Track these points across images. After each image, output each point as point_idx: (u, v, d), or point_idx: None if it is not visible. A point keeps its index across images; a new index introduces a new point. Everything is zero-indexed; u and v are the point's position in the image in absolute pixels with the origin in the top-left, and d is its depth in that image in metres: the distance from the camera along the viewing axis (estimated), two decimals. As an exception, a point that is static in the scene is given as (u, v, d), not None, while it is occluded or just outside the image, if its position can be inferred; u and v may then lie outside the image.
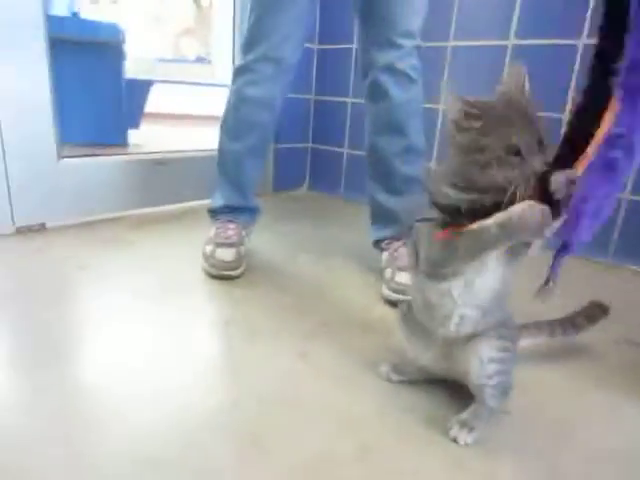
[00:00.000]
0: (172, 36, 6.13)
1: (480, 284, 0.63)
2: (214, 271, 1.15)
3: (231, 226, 1.24)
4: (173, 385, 0.74)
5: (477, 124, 0.58)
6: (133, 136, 2.95)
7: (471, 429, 0.66)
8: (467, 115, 0.58)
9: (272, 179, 2.04)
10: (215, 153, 1.28)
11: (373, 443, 0.64)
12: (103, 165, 1.54)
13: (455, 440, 0.65)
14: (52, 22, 2.28)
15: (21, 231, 1.35)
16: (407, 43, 1.15)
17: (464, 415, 0.68)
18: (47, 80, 1.31)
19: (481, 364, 0.66)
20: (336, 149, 2.11)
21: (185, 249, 1.32)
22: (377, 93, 1.20)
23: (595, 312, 0.91)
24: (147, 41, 5.94)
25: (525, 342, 0.84)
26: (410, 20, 1.14)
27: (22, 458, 0.58)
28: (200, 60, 6.02)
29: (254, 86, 1.17)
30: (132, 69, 4.64)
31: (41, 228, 1.39)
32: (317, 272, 1.24)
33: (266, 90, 1.18)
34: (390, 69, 1.16)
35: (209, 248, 1.19)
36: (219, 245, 1.18)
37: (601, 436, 0.70)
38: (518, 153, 0.57)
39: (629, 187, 1.42)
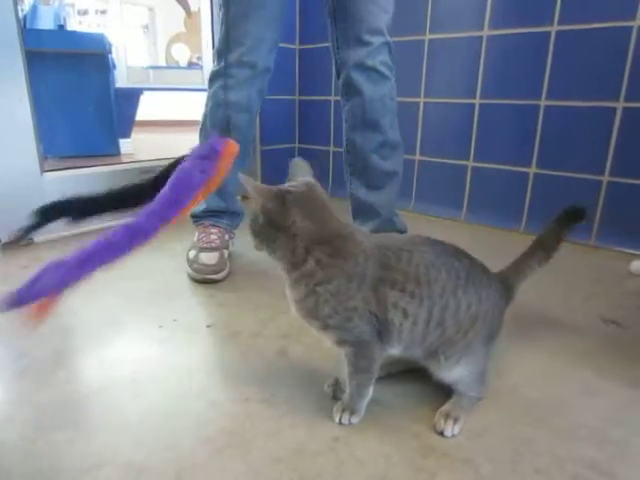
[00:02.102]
0: (163, 43, 6.14)
1: None
2: (198, 276, 1.17)
3: (213, 230, 1.26)
4: (154, 387, 0.76)
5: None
6: (125, 145, 2.98)
7: (456, 420, 0.67)
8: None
9: (260, 181, 2.05)
10: None
11: (347, 435, 0.66)
12: (87, 177, 1.56)
13: (442, 433, 0.66)
14: (34, 36, 2.32)
15: (7, 248, 1.37)
16: (375, 40, 1.16)
17: (447, 407, 0.69)
18: (27, 96, 1.34)
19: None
20: (322, 148, 2.12)
21: (171, 256, 1.33)
22: (350, 90, 1.22)
23: (572, 217, 0.83)
24: (139, 49, 5.97)
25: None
26: (378, 18, 1.16)
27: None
28: (192, 66, 6.04)
29: (229, 90, 1.18)
30: (124, 78, 4.68)
31: (29, 243, 1.41)
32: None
33: (242, 93, 1.19)
34: (361, 66, 1.18)
35: (192, 253, 1.21)
36: (202, 249, 1.20)
37: (575, 416, 0.71)
38: None
39: (607, 169, 1.43)
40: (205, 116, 1.25)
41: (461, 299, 0.65)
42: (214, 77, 1.21)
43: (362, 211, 1.30)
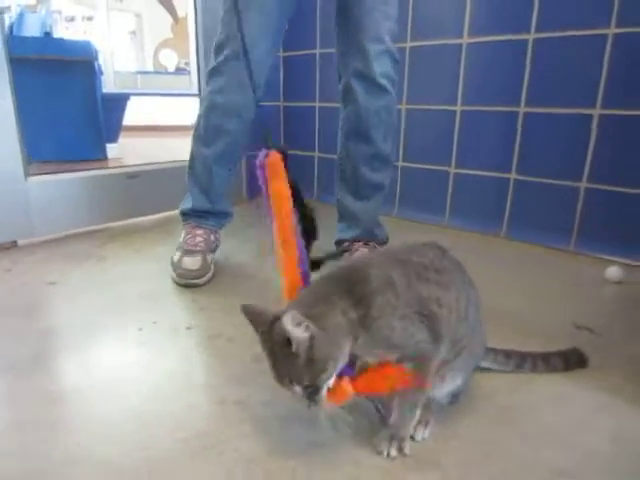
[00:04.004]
0: (151, 49, 6.15)
1: None
2: (181, 280, 1.18)
3: (199, 232, 1.27)
4: (132, 389, 0.77)
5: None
6: (113, 150, 2.97)
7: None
8: None
9: (245, 187, 2.07)
10: (183, 164, 1.31)
11: (322, 439, 0.67)
12: (71, 181, 1.56)
13: (412, 437, 0.66)
14: (19, 43, 2.32)
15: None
16: (376, 48, 1.15)
17: None
18: (10, 101, 1.34)
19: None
20: (307, 153, 2.14)
21: (154, 261, 1.34)
22: (348, 97, 1.22)
23: (573, 359, 0.85)
24: (126, 55, 5.96)
25: (487, 365, 0.82)
26: (379, 25, 1.14)
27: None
28: (180, 71, 6.04)
29: (223, 94, 1.18)
30: (112, 83, 4.67)
31: (12, 246, 1.41)
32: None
33: (235, 98, 1.18)
34: (360, 75, 1.17)
35: (177, 256, 1.21)
36: (186, 253, 1.20)
37: (545, 422, 0.73)
38: None
39: (585, 176, 1.47)
40: (199, 117, 1.26)
41: (470, 292, 0.69)
42: (210, 75, 1.20)
43: (346, 217, 1.32)
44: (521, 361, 0.83)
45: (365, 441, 0.66)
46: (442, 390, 0.70)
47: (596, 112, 1.42)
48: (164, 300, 1.13)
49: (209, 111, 1.22)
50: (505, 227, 1.65)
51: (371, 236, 1.30)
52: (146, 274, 1.27)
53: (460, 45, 1.64)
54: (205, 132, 1.24)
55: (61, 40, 2.63)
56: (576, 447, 0.67)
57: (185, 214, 1.31)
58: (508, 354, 0.83)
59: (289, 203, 0.74)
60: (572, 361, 0.85)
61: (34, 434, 0.66)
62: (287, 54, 2.09)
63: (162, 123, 4.83)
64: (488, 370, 0.82)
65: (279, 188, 0.75)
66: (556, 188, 1.53)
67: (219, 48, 1.17)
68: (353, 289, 0.61)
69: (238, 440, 0.66)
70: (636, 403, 0.76)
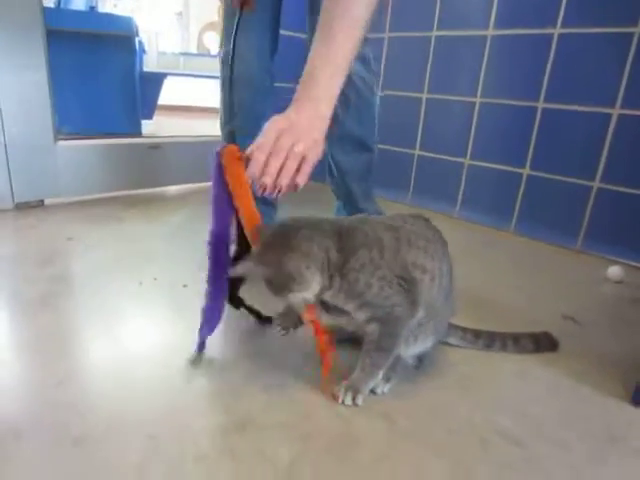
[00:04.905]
0: (196, 31, 6.28)
1: None
2: None
3: None
4: (125, 331, 0.85)
5: None
6: (148, 126, 3.09)
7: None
8: None
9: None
10: (206, 139, 1.36)
11: (282, 382, 0.72)
12: (96, 147, 1.66)
13: (373, 391, 0.71)
14: (58, 16, 2.43)
15: (20, 207, 1.48)
16: None
17: None
18: (44, 71, 1.44)
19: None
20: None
21: (167, 225, 1.43)
22: None
23: (544, 342, 0.88)
24: (172, 36, 6.12)
25: (455, 342, 0.86)
26: None
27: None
28: (222, 54, 6.13)
29: (233, 65, 1.15)
30: (155, 64, 4.81)
31: (39, 205, 1.53)
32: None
33: (245, 68, 1.16)
34: None
35: None
36: None
37: (501, 393, 0.76)
38: None
39: (599, 175, 1.45)
40: (220, 99, 1.28)
41: (448, 263, 0.73)
42: (221, 62, 1.22)
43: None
44: (490, 341, 0.86)
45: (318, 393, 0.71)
46: (412, 350, 0.74)
47: (615, 112, 1.40)
48: (168, 260, 1.20)
49: (223, 87, 1.23)
50: (515, 222, 1.64)
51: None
52: (157, 236, 1.34)
53: (485, 37, 1.63)
54: (224, 111, 1.26)
55: (102, 14, 2.72)
56: (526, 417, 0.70)
57: None
58: (477, 333, 0.86)
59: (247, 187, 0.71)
60: (542, 344, 0.87)
61: (34, 360, 0.75)
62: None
63: (200, 104, 4.95)
64: (457, 347, 0.85)
65: (236, 171, 0.71)
66: (568, 186, 1.51)
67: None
68: (341, 238, 0.66)
69: (206, 376, 0.72)
70: (596, 389, 0.78)
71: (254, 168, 0.68)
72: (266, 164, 0.67)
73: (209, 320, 0.76)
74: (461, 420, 0.68)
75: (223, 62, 1.20)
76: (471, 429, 0.66)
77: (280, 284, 0.65)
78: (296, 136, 0.69)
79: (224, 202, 0.73)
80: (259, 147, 0.68)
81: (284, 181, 0.69)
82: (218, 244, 0.74)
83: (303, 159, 0.69)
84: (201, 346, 0.79)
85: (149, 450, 0.58)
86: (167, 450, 0.58)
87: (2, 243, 1.24)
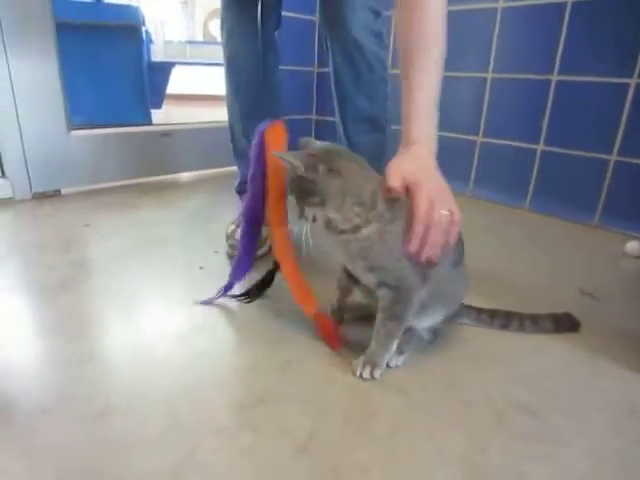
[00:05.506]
0: (201, 19, 6.24)
1: None
2: (233, 252, 1.08)
3: None
4: (140, 309, 0.86)
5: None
6: (157, 116, 3.10)
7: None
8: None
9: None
10: (216, 125, 1.35)
11: (298, 358, 0.73)
12: (109, 136, 1.67)
13: (388, 364, 0.72)
14: (66, 8, 2.43)
15: (37, 196, 1.51)
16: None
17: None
18: (55, 64, 1.45)
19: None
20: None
21: (181, 211, 1.44)
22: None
23: (564, 323, 0.85)
24: (177, 24, 6.09)
25: (470, 322, 0.85)
26: None
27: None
28: (229, 41, 6.09)
29: (229, 44, 1.20)
30: (162, 53, 4.81)
31: (56, 194, 1.55)
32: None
33: (240, 44, 1.18)
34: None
35: (231, 227, 1.16)
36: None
37: (518, 366, 0.76)
38: None
39: (616, 149, 1.41)
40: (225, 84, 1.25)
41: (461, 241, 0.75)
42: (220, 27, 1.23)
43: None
44: (507, 321, 0.84)
45: (334, 367, 0.73)
46: (423, 322, 0.74)
47: (633, 81, 1.36)
48: (183, 244, 1.21)
49: (226, 71, 1.23)
50: (529, 199, 1.62)
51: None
52: (172, 222, 1.36)
53: (495, 9, 1.59)
54: (228, 93, 1.25)
55: (109, 5, 2.72)
56: (543, 389, 0.70)
57: (238, 191, 1.27)
58: (493, 313, 0.85)
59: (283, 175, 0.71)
60: (563, 324, 0.85)
61: (57, 340, 0.77)
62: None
63: (207, 92, 4.93)
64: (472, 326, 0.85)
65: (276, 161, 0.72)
66: (585, 160, 1.48)
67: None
68: (394, 200, 0.67)
69: (223, 355, 0.74)
70: (614, 362, 0.77)
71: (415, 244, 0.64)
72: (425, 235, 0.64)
73: (241, 265, 0.89)
74: (476, 392, 0.68)
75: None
76: (486, 401, 0.67)
77: (318, 196, 0.64)
78: (444, 202, 0.70)
79: (260, 179, 0.79)
80: (419, 220, 0.64)
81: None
82: (254, 210, 0.86)
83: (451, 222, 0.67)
84: (228, 287, 0.90)
85: (170, 422, 0.60)
86: (188, 422, 0.60)
87: (23, 231, 1.27)
